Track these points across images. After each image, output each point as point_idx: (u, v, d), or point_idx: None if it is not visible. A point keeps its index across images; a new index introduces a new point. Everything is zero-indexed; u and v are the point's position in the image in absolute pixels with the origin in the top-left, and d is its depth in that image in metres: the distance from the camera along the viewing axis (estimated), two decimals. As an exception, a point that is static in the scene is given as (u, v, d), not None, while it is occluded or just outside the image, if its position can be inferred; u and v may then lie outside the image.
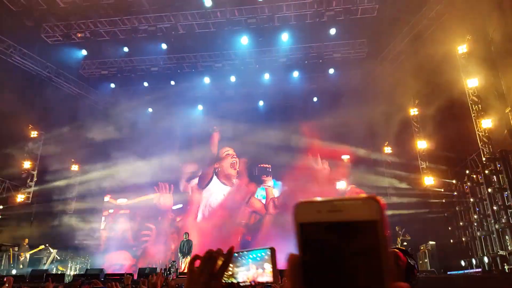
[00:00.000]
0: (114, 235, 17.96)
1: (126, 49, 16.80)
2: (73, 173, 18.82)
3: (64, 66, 17.03)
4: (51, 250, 15.33)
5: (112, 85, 18.59)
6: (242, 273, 1.02)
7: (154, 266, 13.53)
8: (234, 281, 1.01)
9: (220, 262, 0.95)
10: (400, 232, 13.76)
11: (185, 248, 13.75)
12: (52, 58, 16.50)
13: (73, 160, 18.68)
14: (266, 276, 1.00)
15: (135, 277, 11.45)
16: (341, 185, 17.55)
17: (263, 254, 1.01)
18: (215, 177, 18.80)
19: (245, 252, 1.04)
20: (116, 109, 18.61)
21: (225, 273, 0.95)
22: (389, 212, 15.08)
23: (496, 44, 13.06)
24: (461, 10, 12.90)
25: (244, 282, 1.01)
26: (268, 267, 0.99)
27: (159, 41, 16.34)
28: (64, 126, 15.55)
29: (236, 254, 1.01)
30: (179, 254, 13.89)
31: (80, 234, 15.84)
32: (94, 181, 17.84)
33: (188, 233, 14.47)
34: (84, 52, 16.95)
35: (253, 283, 1.01)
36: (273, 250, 1.01)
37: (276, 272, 0.99)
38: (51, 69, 16.99)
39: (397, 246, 2.89)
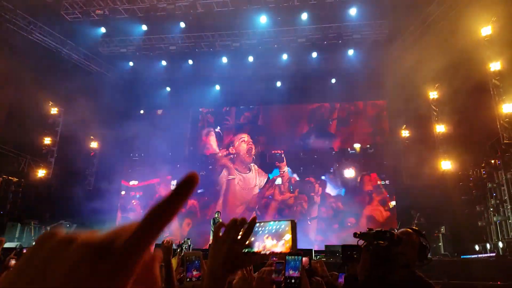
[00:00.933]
0: (128, 215, 18.46)
1: (144, 27, 16.82)
2: (92, 150, 19.27)
3: (83, 43, 17.19)
4: (71, 225, 15.89)
5: (131, 63, 18.71)
6: (259, 242, 1.07)
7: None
8: (251, 250, 1.07)
9: (242, 231, 1.03)
10: (415, 215, 13.76)
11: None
12: (72, 35, 16.66)
13: (92, 137, 19.09)
14: (282, 247, 1.05)
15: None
16: (350, 173, 17.51)
17: (283, 226, 1.07)
18: (230, 164, 18.89)
19: (267, 223, 1.10)
20: (134, 88, 18.83)
21: (247, 241, 1.02)
22: (404, 196, 15.14)
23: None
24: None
25: (260, 251, 1.07)
26: (288, 237, 1.04)
27: (178, 20, 16.29)
28: (84, 103, 15.84)
29: (258, 224, 1.07)
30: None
31: (98, 211, 16.29)
32: (111, 160, 18.23)
33: (219, 212, 14.89)
34: (103, 30, 17.03)
35: (268, 253, 1.06)
36: (293, 222, 1.06)
37: (295, 243, 1.04)
38: (71, 46, 17.19)
39: (417, 228, 2.96)
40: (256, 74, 17.77)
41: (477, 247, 13.94)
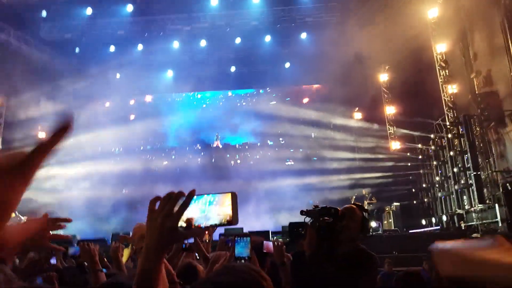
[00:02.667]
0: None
1: (89, 10, 15.89)
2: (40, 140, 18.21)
3: (23, 28, 15.99)
4: (21, 217, 15.01)
5: (77, 49, 17.70)
6: (197, 216, 1.02)
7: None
8: (187, 224, 1.01)
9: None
10: (367, 195, 14.25)
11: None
12: (10, 19, 15.44)
13: (40, 127, 18.01)
14: (221, 220, 1.02)
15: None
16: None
17: (222, 198, 1.03)
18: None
19: (206, 196, 1.04)
20: (82, 74, 17.86)
21: (182, 214, 0.96)
22: (357, 176, 15.65)
23: (466, 10, 13.18)
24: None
25: (198, 226, 1.02)
26: (228, 210, 1.01)
27: (125, 2, 15.55)
28: (28, 91, 14.84)
29: (196, 197, 1.01)
30: None
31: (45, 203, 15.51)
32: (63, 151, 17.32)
33: None
34: (44, 14, 15.91)
35: (205, 227, 1.02)
36: (234, 195, 1.03)
37: (236, 216, 1.01)
38: (9, 31, 15.93)
39: (359, 204, 3.01)
40: (209, 58, 17.47)
41: (423, 222, 14.78)
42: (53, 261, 3.26)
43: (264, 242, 2.94)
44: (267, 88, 19.13)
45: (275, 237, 10.52)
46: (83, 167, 16.73)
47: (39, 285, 2.36)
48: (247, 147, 19.05)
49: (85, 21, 16.35)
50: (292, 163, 18.11)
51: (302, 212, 2.76)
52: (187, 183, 15.17)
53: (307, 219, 2.72)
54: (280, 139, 18.83)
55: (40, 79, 15.80)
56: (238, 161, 18.50)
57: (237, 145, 19.06)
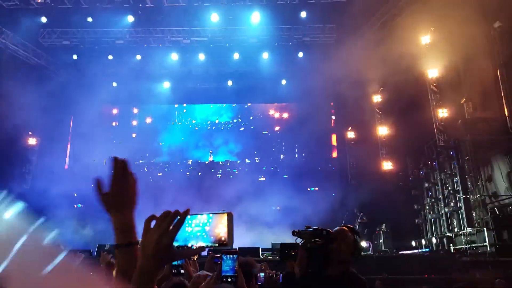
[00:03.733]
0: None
1: (90, 19, 16.01)
2: (30, 146, 18.06)
3: (21, 33, 16.03)
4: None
5: (75, 57, 17.75)
6: (191, 236, 1.04)
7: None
8: (182, 244, 1.03)
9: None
10: (358, 214, 14.31)
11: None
12: (9, 24, 15.49)
13: (30, 133, 17.89)
14: (216, 240, 1.02)
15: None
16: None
17: (218, 218, 1.03)
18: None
19: (201, 215, 1.05)
20: (79, 82, 17.91)
21: (176, 233, 0.98)
22: (350, 196, 15.70)
23: (457, 37, 13.56)
24: (427, 1, 13.24)
25: (192, 245, 1.03)
26: (223, 230, 1.01)
27: (126, 13, 15.71)
28: (22, 96, 14.77)
29: (191, 217, 1.03)
30: None
31: (36, 210, 15.32)
32: (51, 157, 17.19)
33: None
34: (44, 20, 15.99)
35: (199, 247, 1.04)
36: (230, 215, 1.03)
37: (231, 237, 1.01)
38: (7, 35, 15.97)
39: (351, 226, 3.06)
40: (207, 72, 17.65)
41: (413, 243, 14.84)
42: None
43: (258, 274, 2.91)
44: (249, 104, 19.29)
45: (264, 262, 10.39)
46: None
47: None
48: (238, 162, 19.18)
49: (85, 29, 16.42)
50: (286, 176, 18.18)
51: (294, 233, 2.79)
52: (175, 197, 15.23)
53: (299, 240, 2.75)
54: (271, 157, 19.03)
55: (34, 84, 15.74)
56: (231, 176, 18.57)
57: (228, 162, 19.20)
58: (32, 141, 18.08)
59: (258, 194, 15.87)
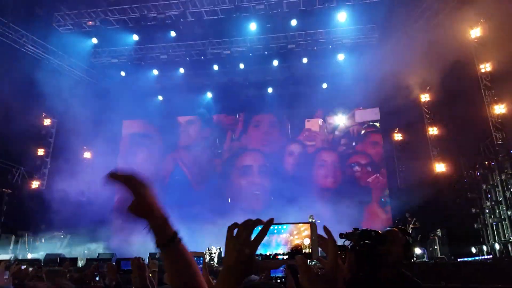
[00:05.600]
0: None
1: (135, 37, 16.83)
2: (86, 160, 19.14)
3: (75, 54, 17.18)
4: (65, 234, 15.69)
5: (123, 73, 18.69)
6: (274, 247, 0.99)
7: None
8: (265, 254, 0.99)
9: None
10: (410, 219, 13.69)
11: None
12: (64, 46, 16.66)
13: (85, 147, 18.98)
14: (300, 252, 0.97)
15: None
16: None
17: (302, 229, 0.98)
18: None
19: (284, 225, 1.00)
20: (127, 97, 18.78)
21: (259, 244, 0.95)
22: (400, 200, 15.10)
23: (508, 28, 12.73)
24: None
25: (276, 254, 0.99)
26: (307, 242, 0.96)
27: (168, 29, 16.33)
28: (77, 113, 15.77)
29: (274, 226, 0.99)
30: None
31: (94, 220, 16.11)
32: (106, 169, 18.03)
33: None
34: (94, 41, 17.03)
35: (282, 259, 0.98)
36: (313, 225, 0.98)
37: (316, 249, 0.96)
38: (63, 58, 17.16)
39: (402, 227, 2.92)
40: (247, 80, 17.85)
41: (473, 250, 13.88)
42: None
43: None
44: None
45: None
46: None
47: None
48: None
49: (131, 46, 17.26)
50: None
51: (341, 235, 2.70)
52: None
53: (347, 243, 2.66)
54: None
55: (87, 101, 16.70)
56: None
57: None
58: (87, 154, 19.16)
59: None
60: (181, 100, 18.08)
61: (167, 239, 1.13)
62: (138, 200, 1.11)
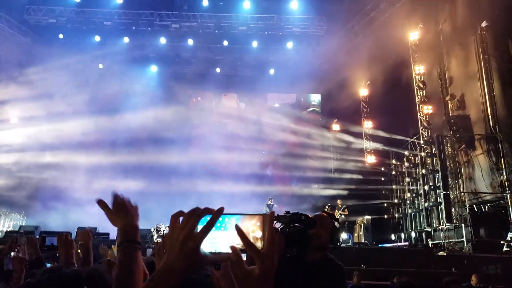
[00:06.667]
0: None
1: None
2: (13, 125, 17.63)
3: (5, 8, 15.53)
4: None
5: (61, 36, 17.31)
6: (223, 239, 0.91)
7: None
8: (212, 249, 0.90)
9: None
10: (340, 206, 14.44)
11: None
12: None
13: (14, 111, 17.44)
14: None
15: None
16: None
17: (253, 221, 0.90)
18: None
19: (234, 216, 0.91)
20: (64, 61, 17.46)
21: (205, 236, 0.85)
22: (333, 188, 15.86)
23: (445, 35, 13.74)
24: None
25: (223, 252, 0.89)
26: (259, 234, 0.88)
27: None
28: (5, 74, 14.41)
29: (223, 217, 0.90)
30: None
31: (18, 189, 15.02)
32: (38, 136, 16.77)
33: (272, 198, 14.19)
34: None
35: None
36: (266, 217, 0.89)
37: (269, 239, 0.87)
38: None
39: (330, 212, 3.05)
40: (195, 57, 17.45)
41: (393, 237, 15.11)
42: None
43: None
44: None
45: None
46: (53, 156, 16.26)
47: None
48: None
49: (72, 8, 16.01)
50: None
51: (273, 217, 2.79)
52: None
53: (278, 225, 2.76)
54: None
55: (18, 62, 15.34)
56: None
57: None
58: (14, 119, 17.62)
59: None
60: (123, 70, 17.25)
61: (131, 240, 1.21)
62: (121, 207, 1.22)
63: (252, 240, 0.85)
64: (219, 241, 0.89)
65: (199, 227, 0.85)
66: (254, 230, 0.87)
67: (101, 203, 1.21)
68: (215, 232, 0.87)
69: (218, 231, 0.89)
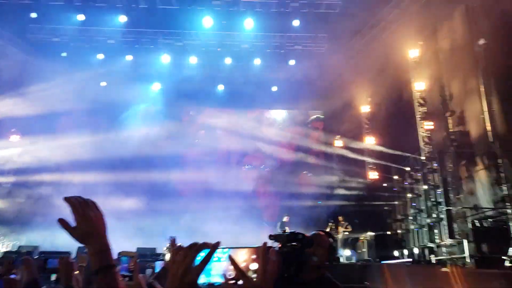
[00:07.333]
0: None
1: (81, 17, 15.88)
2: (13, 144, 17.67)
3: (10, 26, 15.75)
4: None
5: (64, 54, 17.54)
6: (220, 272, 0.96)
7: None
8: (209, 282, 0.95)
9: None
10: (342, 222, 14.35)
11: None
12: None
13: (13, 130, 17.52)
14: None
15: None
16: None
17: (250, 253, 0.91)
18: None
19: (231, 250, 0.95)
20: (66, 79, 17.64)
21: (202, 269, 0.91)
22: (335, 203, 15.79)
23: (444, 52, 13.87)
24: (416, 16, 13.51)
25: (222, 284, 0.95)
26: (254, 267, 0.94)
27: (118, 13, 15.65)
28: (7, 92, 14.56)
29: (220, 251, 0.96)
30: None
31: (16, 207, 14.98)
32: (37, 155, 16.81)
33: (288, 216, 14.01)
34: (33, 15, 15.77)
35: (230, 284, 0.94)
36: (262, 249, 0.94)
37: (261, 272, 0.92)
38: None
39: (327, 231, 3.06)
40: (198, 75, 17.65)
41: (396, 253, 14.94)
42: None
43: None
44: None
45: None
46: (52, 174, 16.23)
47: None
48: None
49: (76, 27, 16.27)
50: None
51: (270, 237, 2.79)
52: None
53: (275, 244, 2.77)
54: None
55: (20, 80, 15.49)
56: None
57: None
58: (15, 138, 17.71)
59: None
60: (126, 88, 17.42)
61: (105, 265, 1.12)
62: (87, 220, 1.12)
63: (249, 273, 0.91)
64: (214, 272, 0.92)
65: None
66: (249, 263, 0.88)
67: (61, 222, 1.12)
68: (211, 264, 0.88)
69: (214, 263, 0.90)
